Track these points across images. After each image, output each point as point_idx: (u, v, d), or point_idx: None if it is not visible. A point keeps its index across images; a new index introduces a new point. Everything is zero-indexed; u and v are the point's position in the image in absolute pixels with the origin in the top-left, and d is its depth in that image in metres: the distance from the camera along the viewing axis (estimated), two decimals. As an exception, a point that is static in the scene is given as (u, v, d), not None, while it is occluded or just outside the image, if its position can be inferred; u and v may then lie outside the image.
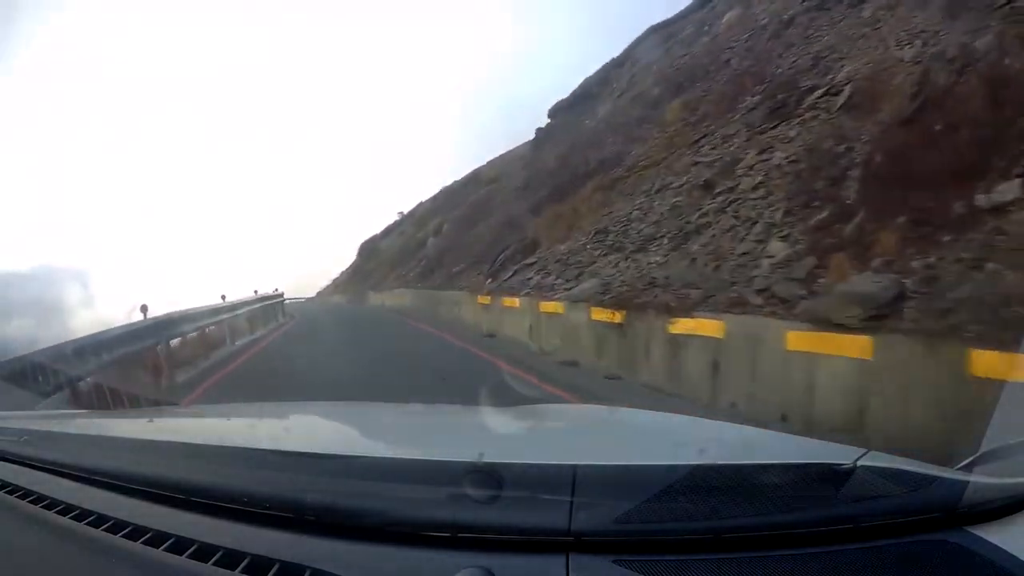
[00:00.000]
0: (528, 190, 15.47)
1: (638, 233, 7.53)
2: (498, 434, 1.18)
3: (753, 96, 7.95)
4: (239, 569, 0.77)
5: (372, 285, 26.70)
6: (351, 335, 11.07)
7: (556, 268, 8.86)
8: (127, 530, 0.89)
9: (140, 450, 1.15)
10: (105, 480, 1.04)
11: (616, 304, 6.04)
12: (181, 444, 1.20)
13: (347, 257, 42.74)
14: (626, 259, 7.21)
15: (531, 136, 21.64)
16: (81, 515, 0.96)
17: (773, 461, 0.83)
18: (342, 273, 42.39)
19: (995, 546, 0.67)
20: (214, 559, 0.79)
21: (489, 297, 10.10)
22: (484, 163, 28.14)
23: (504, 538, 0.75)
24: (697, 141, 8.52)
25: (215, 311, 9.23)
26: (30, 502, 1.05)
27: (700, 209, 6.59)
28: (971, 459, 0.78)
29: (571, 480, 0.75)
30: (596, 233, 8.66)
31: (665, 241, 6.74)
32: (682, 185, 7.64)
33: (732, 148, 7.28)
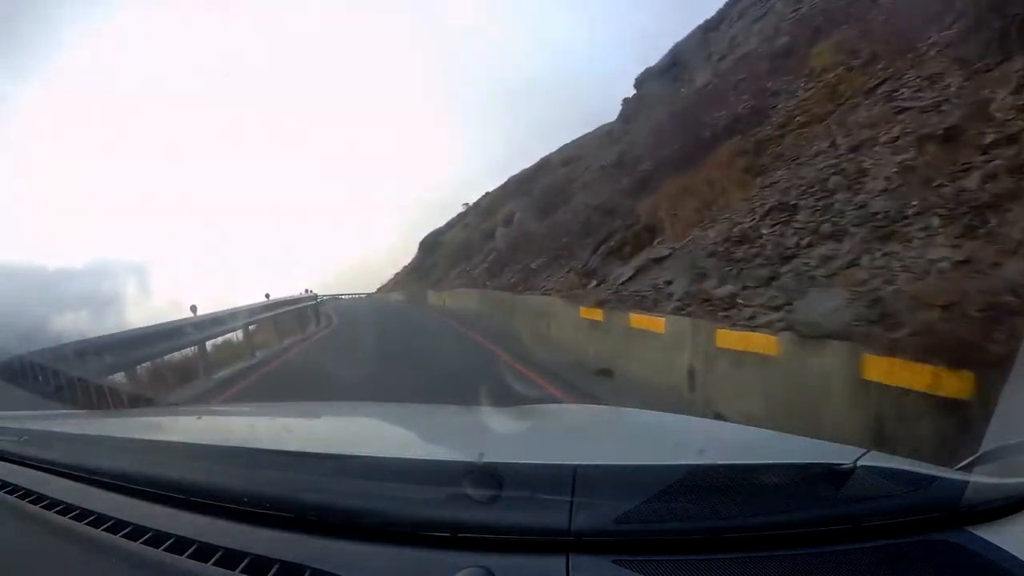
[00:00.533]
0: (622, 167, 12.96)
1: (857, 208, 4.97)
2: (498, 434, 1.18)
3: (943, 30, 6.20)
4: (239, 569, 0.77)
5: (433, 282, 24.27)
6: (391, 359, 7.65)
7: (714, 266, 5.74)
8: (127, 530, 0.89)
9: (140, 450, 1.15)
10: (105, 480, 1.04)
11: (937, 350, 2.68)
12: (181, 444, 1.20)
13: (408, 252, 42.14)
14: (868, 251, 4.33)
15: (604, 120, 20.03)
16: (81, 515, 0.96)
17: (773, 461, 0.83)
18: (403, 268, 41.49)
19: (995, 546, 0.67)
20: (214, 559, 0.79)
21: (600, 310, 6.55)
22: (554, 150, 26.27)
23: (504, 538, 0.75)
24: (875, 87, 6.60)
25: (163, 335, 6.18)
26: (30, 502, 1.06)
27: (969, 167, 4.24)
28: (971, 459, 0.78)
29: (571, 480, 0.75)
30: (771, 210, 5.97)
31: (935, 221, 4.12)
32: (896, 138, 5.43)
33: (952, 88, 5.45)
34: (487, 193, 32.13)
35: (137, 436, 1.30)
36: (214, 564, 0.79)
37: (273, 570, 0.75)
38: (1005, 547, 0.67)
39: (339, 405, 2.17)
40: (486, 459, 0.80)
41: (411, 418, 1.58)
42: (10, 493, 1.10)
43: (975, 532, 0.70)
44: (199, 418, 1.77)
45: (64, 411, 2.26)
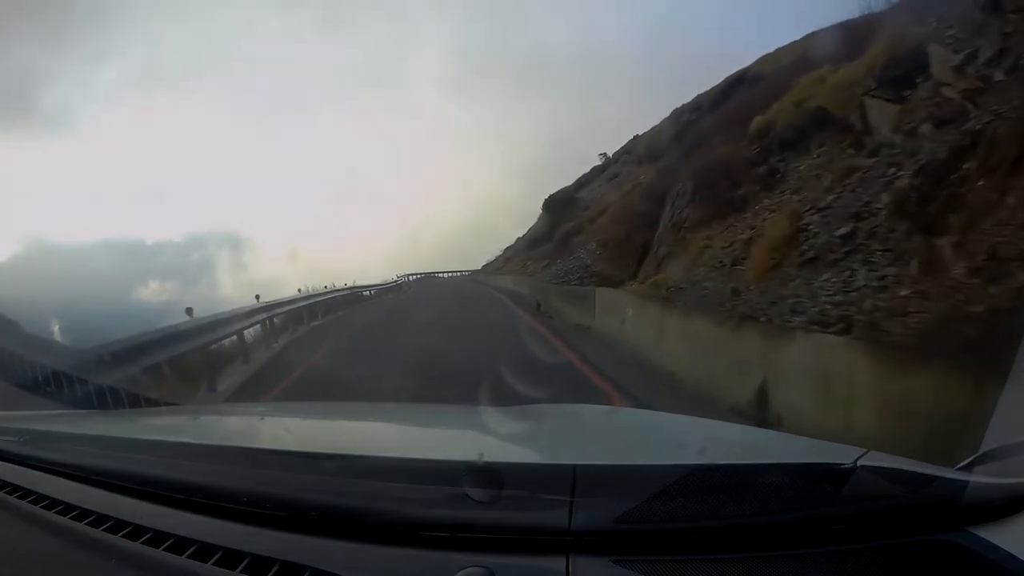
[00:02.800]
0: None
1: None
2: (498, 434, 1.18)
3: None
4: (239, 569, 0.77)
5: (577, 268, 13.03)
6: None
7: None
8: (127, 530, 0.89)
9: (140, 450, 1.15)
10: (105, 480, 1.04)
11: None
12: (181, 444, 1.20)
13: (526, 218, 33.15)
14: None
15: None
16: (81, 515, 0.96)
17: (773, 461, 0.84)
18: (518, 240, 31.34)
19: (995, 546, 0.67)
20: (214, 559, 0.79)
21: None
22: (748, 63, 15.98)
23: (504, 538, 0.75)
24: None
25: None
26: (30, 502, 1.05)
27: None
28: (971, 459, 0.78)
29: (571, 480, 0.75)
30: None
31: None
32: None
33: None
34: (636, 136, 24.33)
35: (137, 436, 1.30)
36: (214, 564, 0.79)
37: (273, 570, 0.75)
38: (1005, 547, 0.67)
39: (339, 405, 2.17)
40: (486, 459, 0.80)
41: (412, 418, 1.59)
42: (10, 493, 1.10)
43: (975, 532, 0.69)
44: (199, 418, 1.77)
45: (64, 411, 2.26)
